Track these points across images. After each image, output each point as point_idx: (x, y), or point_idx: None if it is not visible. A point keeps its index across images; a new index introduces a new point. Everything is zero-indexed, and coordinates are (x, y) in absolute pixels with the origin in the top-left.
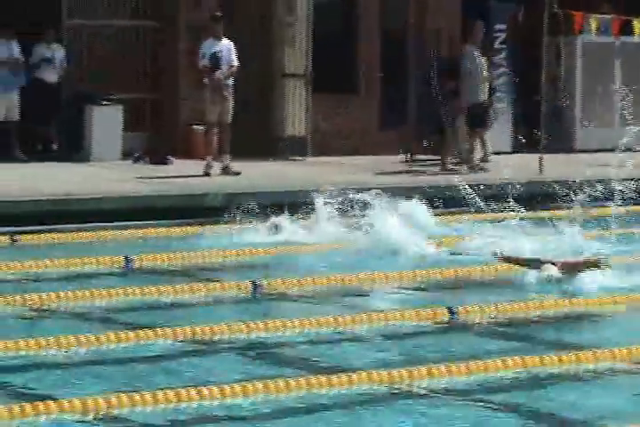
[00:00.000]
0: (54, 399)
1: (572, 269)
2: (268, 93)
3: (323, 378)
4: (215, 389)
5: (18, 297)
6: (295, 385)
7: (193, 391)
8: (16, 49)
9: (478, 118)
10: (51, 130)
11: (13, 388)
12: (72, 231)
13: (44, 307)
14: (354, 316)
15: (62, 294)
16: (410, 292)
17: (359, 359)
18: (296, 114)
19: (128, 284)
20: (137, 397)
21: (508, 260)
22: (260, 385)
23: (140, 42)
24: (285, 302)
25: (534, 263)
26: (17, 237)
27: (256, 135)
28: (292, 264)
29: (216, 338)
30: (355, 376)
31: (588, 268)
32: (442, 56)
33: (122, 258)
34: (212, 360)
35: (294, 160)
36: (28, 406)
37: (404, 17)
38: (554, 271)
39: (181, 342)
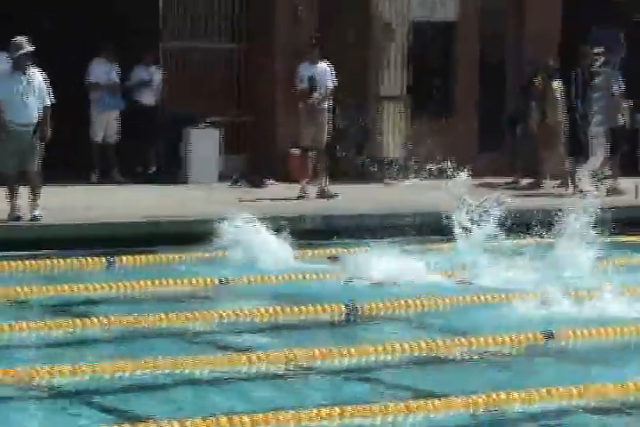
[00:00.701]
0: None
1: None
2: (365, 115)
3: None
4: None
5: (112, 318)
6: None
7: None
8: (115, 72)
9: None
10: (149, 152)
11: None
12: (167, 253)
13: (139, 327)
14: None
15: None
16: None
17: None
18: (392, 136)
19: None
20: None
21: None
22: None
23: (236, 64)
24: (379, 325)
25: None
26: (113, 258)
27: (352, 158)
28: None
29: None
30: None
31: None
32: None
33: (216, 280)
34: (311, 384)
35: (389, 183)
36: None
37: (502, 41)
38: None
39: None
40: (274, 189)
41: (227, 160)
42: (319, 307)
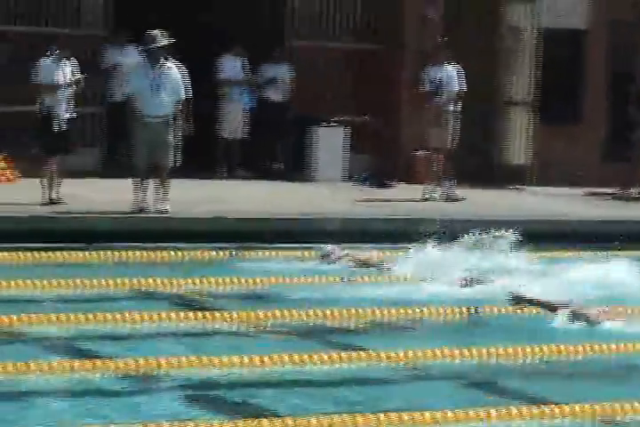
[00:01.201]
0: None
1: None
2: (491, 120)
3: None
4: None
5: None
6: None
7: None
8: (244, 69)
9: None
10: (276, 149)
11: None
12: (289, 249)
13: (261, 324)
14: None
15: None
16: None
17: None
18: (518, 142)
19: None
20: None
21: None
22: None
23: (363, 64)
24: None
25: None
26: (237, 253)
27: (477, 162)
28: None
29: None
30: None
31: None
32: None
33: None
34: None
35: (514, 189)
36: None
37: (632, 51)
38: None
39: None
40: (398, 190)
41: (353, 160)
42: None
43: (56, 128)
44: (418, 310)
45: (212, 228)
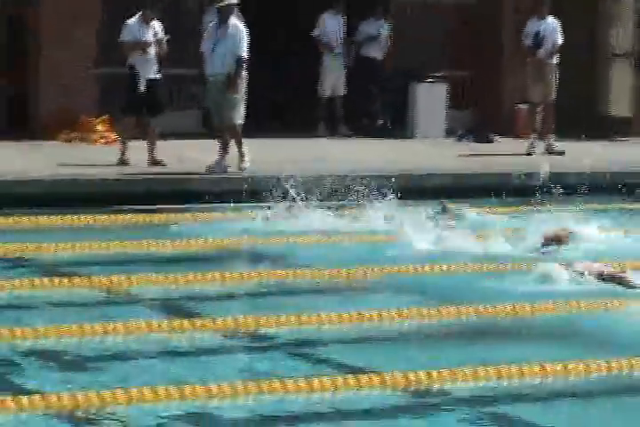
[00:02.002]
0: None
1: None
2: (593, 72)
3: None
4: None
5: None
6: None
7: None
8: (341, 24)
9: None
10: (375, 106)
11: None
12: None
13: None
14: None
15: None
16: None
17: None
18: (621, 94)
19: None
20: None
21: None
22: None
23: (463, 20)
24: None
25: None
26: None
27: (579, 115)
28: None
29: None
30: None
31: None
32: None
33: None
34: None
35: (617, 141)
36: None
37: None
38: None
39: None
40: (500, 144)
41: (453, 115)
42: None
43: (142, 88)
44: None
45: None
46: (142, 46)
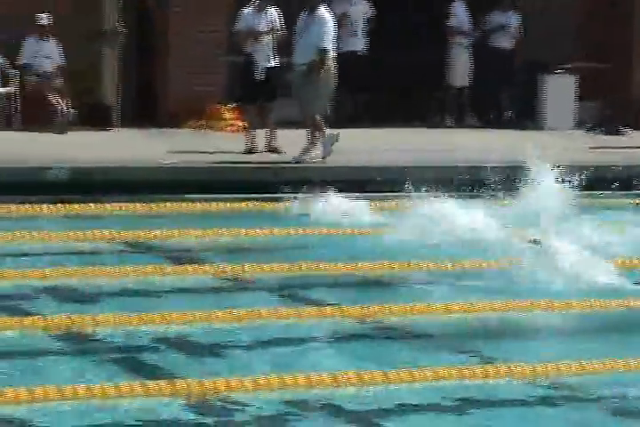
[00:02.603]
0: None
1: None
2: None
3: None
4: None
5: None
6: None
7: None
8: (469, 14)
9: None
10: (504, 97)
11: None
12: None
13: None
14: None
15: None
16: None
17: None
18: None
19: None
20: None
21: None
22: None
23: (592, 9)
24: None
25: None
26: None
27: None
28: None
29: None
30: None
31: None
32: None
33: None
34: None
35: None
36: None
37: None
38: None
39: None
40: (631, 137)
41: (583, 107)
42: None
43: (257, 76)
44: None
45: (440, 176)
46: (255, 35)
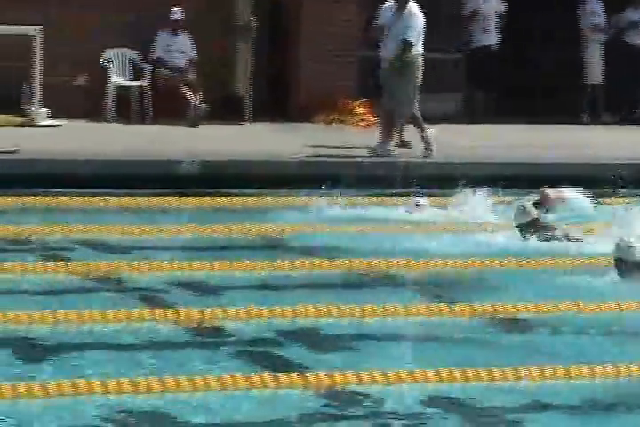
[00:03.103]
0: None
1: None
2: None
3: None
4: None
5: None
6: None
7: None
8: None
9: None
10: (636, 94)
11: None
12: None
13: None
14: None
15: None
16: None
17: None
18: None
19: None
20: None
21: None
22: None
23: None
24: None
25: None
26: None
27: None
28: None
29: None
30: None
31: None
32: None
33: None
34: None
35: None
36: None
37: None
38: None
39: None
40: None
41: None
42: None
43: None
44: None
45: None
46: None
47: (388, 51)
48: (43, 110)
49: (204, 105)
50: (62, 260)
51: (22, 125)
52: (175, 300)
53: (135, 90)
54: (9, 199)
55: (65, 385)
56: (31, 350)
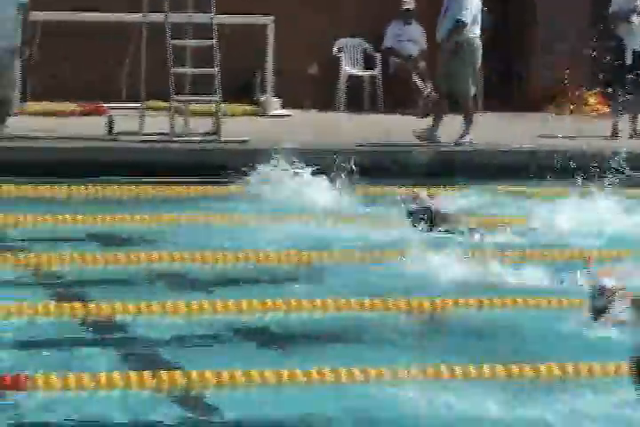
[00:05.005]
0: None
1: None
2: None
3: None
4: None
5: None
6: None
7: None
8: None
9: None
10: None
11: None
12: None
13: None
14: None
15: None
16: None
17: None
18: None
19: None
20: None
21: None
22: None
23: None
24: None
25: None
26: None
27: None
28: None
29: None
30: None
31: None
32: None
33: None
34: None
35: None
36: None
37: None
38: None
39: None
40: None
41: None
42: None
43: (627, 60)
44: None
45: None
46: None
47: (441, 33)
48: (274, 100)
49: (434, 94)
50: None
51: (254, 114)
52: None
53: (367, 79)
54: None
55: None
56: None
